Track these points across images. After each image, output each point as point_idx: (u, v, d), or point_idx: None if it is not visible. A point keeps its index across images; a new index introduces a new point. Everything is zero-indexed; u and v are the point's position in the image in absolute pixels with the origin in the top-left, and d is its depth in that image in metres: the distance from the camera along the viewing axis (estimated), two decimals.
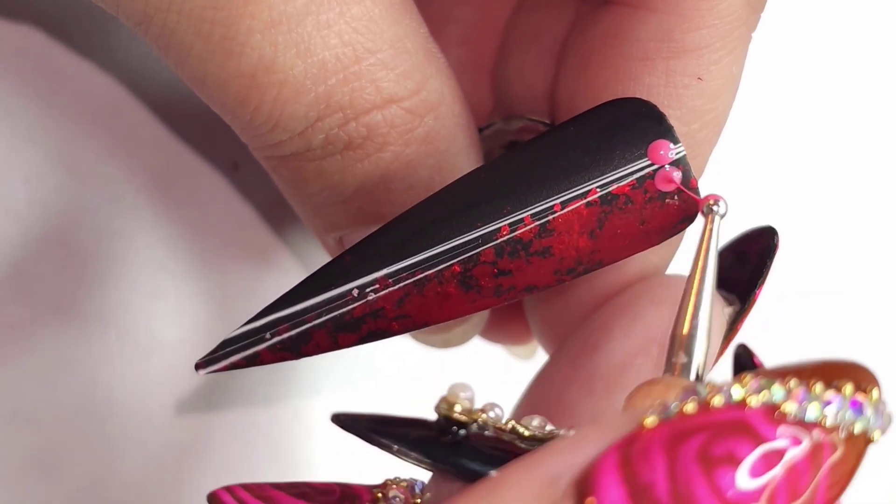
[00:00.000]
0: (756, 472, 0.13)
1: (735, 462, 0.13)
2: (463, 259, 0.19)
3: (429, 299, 0.19)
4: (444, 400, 0.20)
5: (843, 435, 0.14)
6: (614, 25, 0.21)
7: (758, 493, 0.13)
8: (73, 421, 0.28)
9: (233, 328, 0.30)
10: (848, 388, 0.14)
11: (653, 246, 0.19)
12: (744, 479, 0.13)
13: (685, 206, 0.19)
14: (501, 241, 0.19)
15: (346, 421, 0.21)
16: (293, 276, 0.30)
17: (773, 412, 0.13)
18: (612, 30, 0.21)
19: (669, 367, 0.17)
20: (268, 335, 0.19)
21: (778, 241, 0.21)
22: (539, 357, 0.29)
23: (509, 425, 0.20)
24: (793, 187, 0.35)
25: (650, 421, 0.14)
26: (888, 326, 0.36)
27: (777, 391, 0.14)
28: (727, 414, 0.13)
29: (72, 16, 0.28)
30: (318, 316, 0.19)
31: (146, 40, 0.20)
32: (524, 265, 0.19)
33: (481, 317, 0.25)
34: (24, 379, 0.28)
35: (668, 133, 0.19)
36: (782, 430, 0.13)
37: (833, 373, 0.14)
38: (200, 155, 0.29)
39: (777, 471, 0.13)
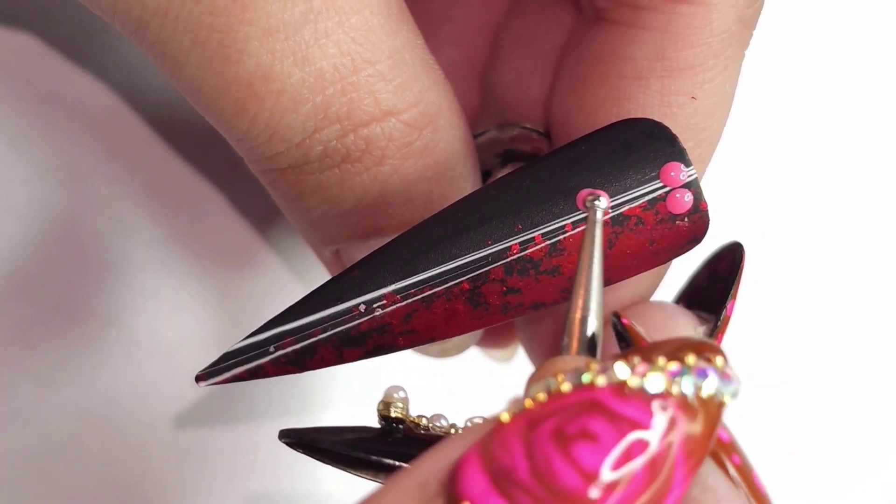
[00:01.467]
0: (617, 456, 0.13)
1: (590, 437, 0.13)
2: (472, 276, 0.17)
3: (436, 315, 0.17)
4: (381, 402, 0.19)
5: (694, 402, 0.13)
6: (608, 44, 0.19)
7: (618, 477, 0.13)
8: (73, 421, 0.26)
9: (232, 328, 0.28)
10: (690, 357, 0.13)
11: (660, 265, 0.17)
12: (606, 464, 0.13)
13: (694, 228, 0.17)
14: (511, 260, 0.17)
15: (290, 434, 0.19)
16: (292, 277, 0.28)
17: (620, 388, 0.13)
18: (607, 48, 0.19)
19: (564, 348, 0.16)
20: (272, 348, 0.17)
21: (743, 255, 0.19)
22: (517, 361, 0.27)
23: (454, 430, 0.19)
24: (782, 199, 0.33)
25: (505, 416, 0.13)
26: (884, 329, 0.34)
27: (620, 368, 0.13)
28: (577, 396, 0.13)
29: (70, 21, 0.25)
30: (324, 330, 0.17)
31: (142, 48, 0.18)
32: (533, 283, 0.17)
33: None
34: (24, 379, 0.26)
35: (680, 155, 0.17)
36: (631, 401, 0.13)
37: (679, 349, 0.14)
38: (199, 155, 0.27)
39: (635, 448, 0.13)
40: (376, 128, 0.18)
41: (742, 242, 0.20)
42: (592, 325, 0.15)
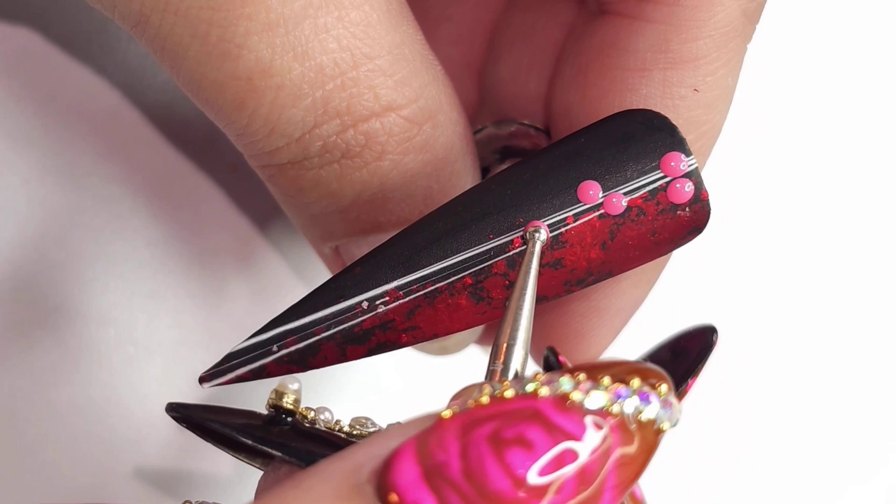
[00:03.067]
0: (547, 465, 0.13)
1: (525, 444, 0.13)
2: (474, 271, 0.17)
3: (439, 311, 0.17)
4: (273, 391, 0.18)
5: (632, 425, 0.13)
6: (611, 36, 0.19)
7: (545, 485, 0.13)
8: (73, 421, 0.26)
9: (232, 327, 0.27)
10: (635, 381, 0.13)
11: (662, 256, 0.17)
12: (534, 470, 0.12)
13: (696, 218, 0.17)
14: (514, 253, 0.17)
15: (178, 409, 0.18)
16: (292, 276, 0.27)
17: (562, 401, 0.13)
18: (609, 40, 0.19)
19: (489, 374, 0.16)
20: (275, 348, 0.17)
21: (717, 339, 0.19)
22: None
23: (338, 426, 0.18)
24: (780, 192, 0.33)
25: (446, 413, 0.13)
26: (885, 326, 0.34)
27: (566, 382, 0.13)
28: (518, 403, 0.13)
29: (70, 19, 0.25)
30: (327, 328, 0.17)
31: (142, 43, 0.17)
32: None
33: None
34: (24, 379, 0.25)
35: (680, 145, 0.17)
36: (570, 415, 0.13)
37: (625, 372, 0.14)
38: (199, 156, 0.26)
39: (567, 460, 0.13)
40: (376, 123, 0.18)
41: (717, 327, 0.20)
42: (518, 356, 0.15)
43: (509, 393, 0.13)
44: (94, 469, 0.26)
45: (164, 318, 0.26)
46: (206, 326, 0.26)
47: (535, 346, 0.21)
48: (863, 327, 0.33)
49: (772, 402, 0.32)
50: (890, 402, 0.33)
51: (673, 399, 0.14)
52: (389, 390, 0.29)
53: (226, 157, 0.27)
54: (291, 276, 0.27)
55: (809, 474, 0.32)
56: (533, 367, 0.19)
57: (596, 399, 0.13)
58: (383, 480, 0.12)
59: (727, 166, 0.25)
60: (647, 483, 0.31)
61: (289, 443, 0.17)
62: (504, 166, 0.22)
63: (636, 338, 0.23)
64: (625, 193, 0.16)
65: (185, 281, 0.26)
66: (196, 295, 0.26)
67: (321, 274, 0.27)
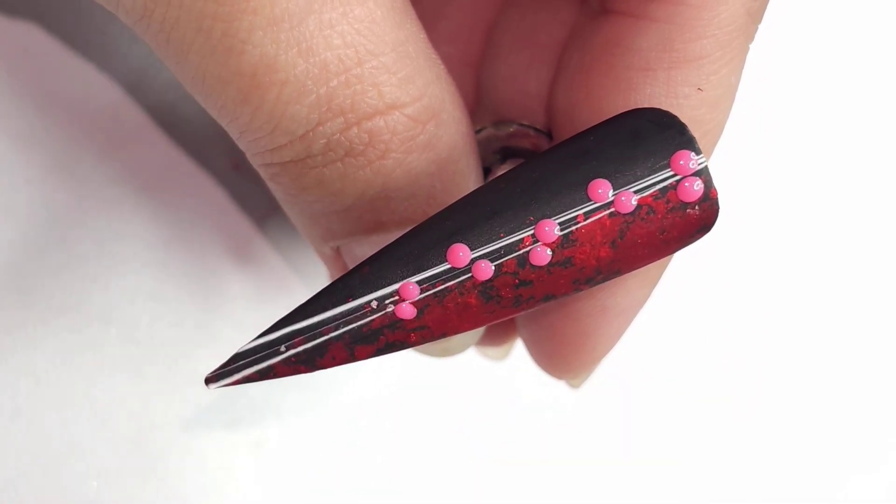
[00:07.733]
0: None
1: None
2: None
3: (448, 310, 0.16)
4: None
5: None
6: (615, 35, 0.19)
7: None
8: (74, 422, 0.25)
9: (233, 328, 0.27)
10: None
11: (670, 254, 0.17)
12: None
13: (704, 216, 0.16)
14: (524, 252, 0.16)
15: None
16: (291, 277, 0.27)
17: None
18: (613, 39, 0.19)
19: None
20: (282, 348, 0.16)
21: None
22: (511, 359, 0.26)
23: None
24: (782, 191, 0.32)
25: None
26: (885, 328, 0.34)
27: None
28: None
29: (72, 16, 0.24)
30: (336, 328, 0.16)
31: (145, 38, 0.17)
32: (545, 275, 0.16)
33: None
34: (24, 379, 0.25)
35: (690, 143, 0.16)
36: None
37: None
38: (200, 156, 0.26)
39: None
40: (380, 121, 0.17)
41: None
42: None
43: None
44: (97, 471, 0.25)
45: (165, 319, 0.26)
46: (207, 326, 0.26)
47: (541, 346, 0.21)
48: (868, 324, 0.33)
49: (777, 396, 0.32)
50: (890, 401, 0.32)
51: None
52: (386, 388, 0.28)
53: (227, 158, 0.26)
54: (292, 276, 0.27)
55: (812, 467, 0.32)
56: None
57: None
58: None
59: (727, 165, 0.25)
60: (647, 473, 0.30)
61: None
62: (505, 166, 0.22)
63: (639, 336, 0.23)
64: (635, 192, 0.16)
65: (186, 281, 0.26)
66: (197, 295, 0.26)
67: (322, 275, 0.26)
